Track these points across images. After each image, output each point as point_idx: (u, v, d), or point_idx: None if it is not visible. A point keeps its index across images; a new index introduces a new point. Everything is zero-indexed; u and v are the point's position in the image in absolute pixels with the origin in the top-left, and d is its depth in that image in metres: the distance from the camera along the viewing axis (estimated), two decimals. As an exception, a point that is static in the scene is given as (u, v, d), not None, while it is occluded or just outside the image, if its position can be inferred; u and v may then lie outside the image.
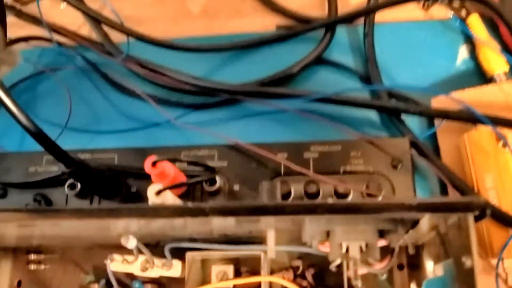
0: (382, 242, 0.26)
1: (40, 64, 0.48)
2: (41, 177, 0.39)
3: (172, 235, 0.32)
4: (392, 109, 0.40)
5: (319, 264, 0.34)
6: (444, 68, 0.43)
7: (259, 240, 0.32)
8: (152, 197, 0.31)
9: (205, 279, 0.35)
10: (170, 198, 0.33)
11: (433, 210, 0.23)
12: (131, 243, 0.30)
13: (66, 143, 0.44)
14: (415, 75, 0.43)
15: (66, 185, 0.37)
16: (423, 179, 0.40)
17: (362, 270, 0.29)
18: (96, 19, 0.45)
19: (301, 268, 0.35)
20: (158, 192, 0.31)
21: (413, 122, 0.41)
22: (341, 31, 0.45)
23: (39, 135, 0.29)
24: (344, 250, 0.26)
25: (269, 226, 0.27)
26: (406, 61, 0.44)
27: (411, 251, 0.30)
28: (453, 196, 0.37)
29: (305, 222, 0.26)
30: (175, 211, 0.25)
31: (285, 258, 0.35)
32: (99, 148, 0.40)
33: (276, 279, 0.31)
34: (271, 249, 0.27)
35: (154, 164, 0.32)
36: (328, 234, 0.26)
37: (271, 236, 0.27)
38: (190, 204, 0.24)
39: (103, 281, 0.36)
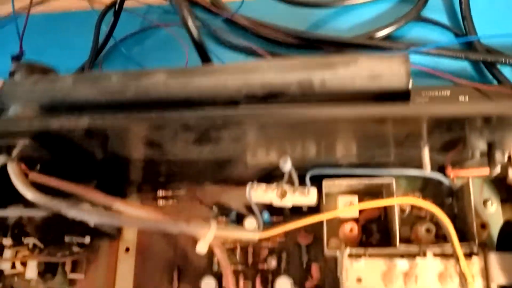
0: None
1: (147, 21, 0.50)
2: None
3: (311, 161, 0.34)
4: (490, 62, 0.43)
5: (437, 196, 0.36)
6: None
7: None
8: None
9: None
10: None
11: None
12: (287, 165, 0.32)
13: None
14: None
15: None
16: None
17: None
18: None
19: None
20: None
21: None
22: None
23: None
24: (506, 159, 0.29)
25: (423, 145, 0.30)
26: (503, 18, 0.46)
27: None
28: None
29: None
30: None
31: (401, 190, 0.37)
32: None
33: (412, 199, 0.34)
34: (426, 164, 0.30)
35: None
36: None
37: (425, 154, 0.30)
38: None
39: (233, 213, 0.39)
